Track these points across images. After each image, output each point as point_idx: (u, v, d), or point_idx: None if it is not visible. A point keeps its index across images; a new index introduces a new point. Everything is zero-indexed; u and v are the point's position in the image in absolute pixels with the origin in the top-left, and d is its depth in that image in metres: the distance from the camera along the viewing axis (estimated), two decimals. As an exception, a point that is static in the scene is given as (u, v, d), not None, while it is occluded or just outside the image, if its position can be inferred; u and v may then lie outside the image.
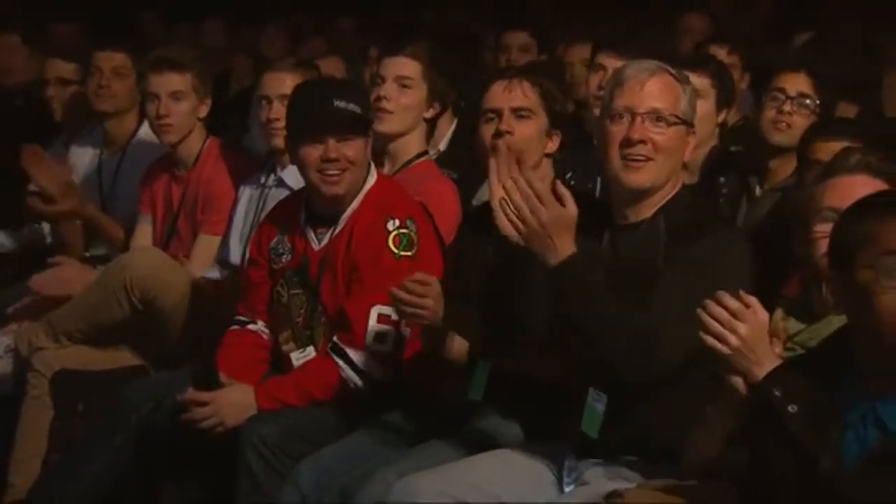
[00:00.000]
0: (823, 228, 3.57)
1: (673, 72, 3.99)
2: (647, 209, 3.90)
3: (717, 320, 3.33)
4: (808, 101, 5.17)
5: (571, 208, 3.68)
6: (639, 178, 3.85)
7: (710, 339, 3.33)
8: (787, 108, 5.18)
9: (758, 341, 3.31)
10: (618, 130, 3.85)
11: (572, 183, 4.41)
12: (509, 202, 3.67)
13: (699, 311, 3.34)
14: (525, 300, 3.94)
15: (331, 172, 4.48)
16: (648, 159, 3.84)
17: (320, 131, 4.49)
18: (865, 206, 3.01)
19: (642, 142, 3.83)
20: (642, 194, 3.88)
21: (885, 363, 2.92)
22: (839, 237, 3.01)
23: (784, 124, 5.18)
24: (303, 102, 4.71)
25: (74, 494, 4.88)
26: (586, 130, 5.65)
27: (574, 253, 3.67)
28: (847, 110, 6.01)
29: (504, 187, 3.68)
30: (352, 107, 4.54)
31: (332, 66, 6.22)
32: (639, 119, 3.83)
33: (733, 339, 3.30)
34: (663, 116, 3.86)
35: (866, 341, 2.95)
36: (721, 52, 6.60)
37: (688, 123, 3.94)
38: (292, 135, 4.62)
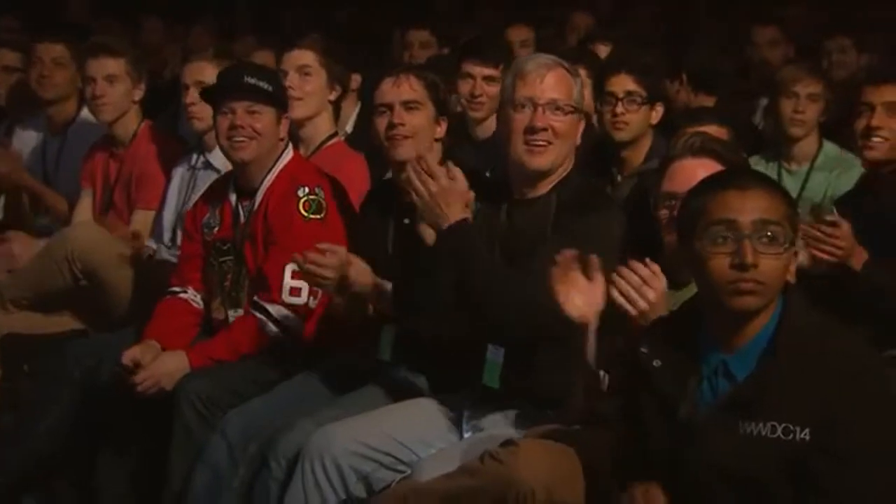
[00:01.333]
0: (664, 212, 3.71)
1: (566, 65, 4.04)
2: (543, 187, 3.96)
3: (632, 284, 3.42)
4: (636, 98, 5.12)
5: (461, 183, 3.77)
6: (541, 160, 3.91)
7: (621, 301, 3.42)
8: (619, 109, 5.13)
9: (661, 305, 3.41)
10: (521, 119, 3.90)
11: (487, 174, 4.47)
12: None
13: (614, 275, 3.43)
14: (427, 266, 3.96)
15: (237, 139, 4.53)
16: (549, 144, 3.90)
17: (230, 102, 4.55)
18: (700, 185, 3.07)
19: (544, 129, 3.88)
20: (542, 174, 3.94)
21: (721, 320, 2.98)
22: (682, 214, 3.08)
23: (621, 123, 5.14)
24: (220, 80, 4.78)
25: (24, 452, 4.84)
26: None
27: (463, 219, 3.74)
28: (706, 100, 6.15)
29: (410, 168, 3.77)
30: (262, 84, 4.59)
31: (263, 58, 6.19)
32: (540, 109, 3.89)
33: (642, 303, 3.41)
34: (561, 106, 3.92)
35: (707, 303, 3.00)
36: (604, 50, 6.67)
37: (580, 111, 4.00)
38: (213, 109, 4.67)
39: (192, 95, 5.27)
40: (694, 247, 2.96)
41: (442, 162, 4.26)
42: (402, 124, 4.38)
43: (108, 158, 5.72)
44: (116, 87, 5.59)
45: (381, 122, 4.42)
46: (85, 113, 5.96)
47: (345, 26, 8.20)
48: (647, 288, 3.39)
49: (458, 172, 3.77)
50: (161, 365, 4.45)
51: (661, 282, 3.42)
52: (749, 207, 2.92)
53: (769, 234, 2.90)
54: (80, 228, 5.43)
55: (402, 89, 4.43)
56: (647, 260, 3.44)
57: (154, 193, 5.47)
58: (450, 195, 3.76)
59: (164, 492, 4.36)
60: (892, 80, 4.57)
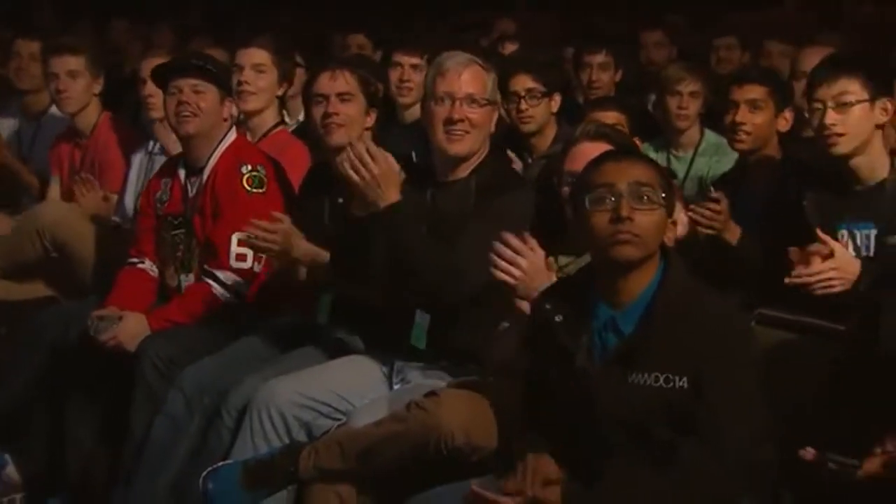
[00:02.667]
0: (566, 189, 3.70)
1: (481, 62, 4.06)
2: (463, 171, 3.99)
3: (503, 257, 3.44)
4: (536, 93, 5.18)
5: (394, 167, 3.79)
6: (459, 147, 3.94)
7: (499, 272, 3.46)
8: (522, 105, 5.19)
9: (536, 272, 3.42)
10: (441, 111, 3.92)
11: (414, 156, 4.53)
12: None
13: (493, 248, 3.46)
14: (361, 240, 3.95)
15: (183, 114, 4.55)
16: (466, 133, 3.92)
17: (178, 80, 4.58)
18: (588, 163, 3.15)
19: (461, 120, 3.90)
20: (461, 160, 3.96)
21: (609, 278, 3.04)
22: (575, 187, 3.15)
23: (527, 118, 5.20)
24: (170, 62, 4.84)
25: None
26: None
27: (398, 200, 3.76)
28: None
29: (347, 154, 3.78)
30: (208, 66, 4.63)
31: (218, 56, 6.17)
32: (458, 102, 3.91)
33: (517, 272, 3.42)
34: (476, 99, 3.93)
35: (596, 261, 3.08)
36: (511, 48, 6.74)
37: (493, 103, 4.03)
38: (163, 91, 4.69)
39: (150, 87, 5.24)
40: (583, 213, 3.03)
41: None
42: (337, 114, 4.42)
43: (73, 147, 5.69)
44: (78, 82, 5.57)
45: (318, 111, 4.46)
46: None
47: (290, 28, 8.13)
48: (519, 258, 3.42)
49: (391, 159, 3.79)
50: (124, 327, 4.46)
51: (534, 253, 3.45)
52: (624, 173, 2.99)
53: (642, 193, 2.96)
54: (49, 206, 5.42)
55: (337, 82, 4.46)
56: (525, 234, 3.48)
57: (115, 177, 5.45)
58: (385, 178, 3.77)
59: (127, 441, 4.35)
60: (753, 80, 4.65)
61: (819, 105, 3.84)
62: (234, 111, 4.76)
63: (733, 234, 4.28)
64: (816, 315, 3.57)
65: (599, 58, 6.31)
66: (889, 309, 3.21)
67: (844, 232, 3.91)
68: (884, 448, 2.48)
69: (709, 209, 4.19)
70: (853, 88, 3.84)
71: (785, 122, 4.76)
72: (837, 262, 3.59)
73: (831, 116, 3.80)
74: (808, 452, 2.52)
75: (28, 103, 6.24)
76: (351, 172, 3.78)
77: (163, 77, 4.70)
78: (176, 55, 5.26)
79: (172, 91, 4.60)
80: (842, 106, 3.82)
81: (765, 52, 6.60)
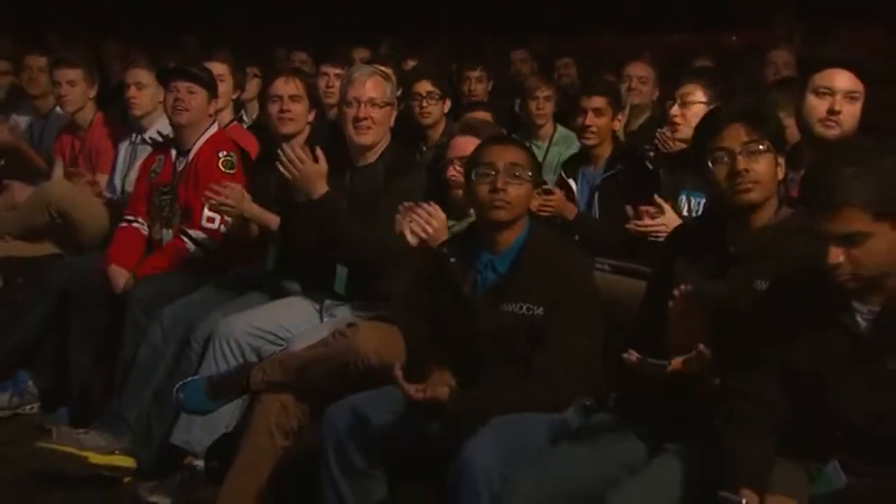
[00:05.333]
0: (450, 170, 3.76)
1: (382, 73, 4.04)
2: (371, 157, 3.94)
3: (420, 219, 3.43)
4: (434, 96, 5.13)
5: (322, 165, 3.73)
6: (365, 139, 3.90)
7: (418, 230, 3.43)
8: (423, 104, 5.14)
9: (441, 228, 3.43)
10: (350, 112, 3.89)
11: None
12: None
13: (397, 216, 3.47)
14: (299, 215, 3.88)
15: (178, 108, 4.49)
16: (369, 128, 3.88)
17: (177, 82, 4.52)
18: (479, 144, 3.20)
19: (365, 118, 3.87)
20: (367, 148, 3.92)
21: (488, 232, 3.07)
22: (467, 163, 3.16)
23: (425, 113, 5.14)
24: (173, 67, 4.79)
25: (17, 338, 4.79)
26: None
27: (327, 191, 3.71)
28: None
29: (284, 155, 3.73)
30: (200, 73, 4.57)
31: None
32: (362, 105, 3.88)
33: (429, 229, 3.41)
34: (377, 102, 3.90)
35: (479, 221, 3.11)
36: (410, 63, 6.71)
37: (391, 104, 3.99)
38: (164, 88, 4.63)
39: (133, 91, 5.18)
40: (470, 182, 3.06)
41: (308, 139, 4.36)
42: (289, 110, 4.42)
43: (73, 139, 5.57)
44: (76, 88, 5.45)
45: (273, 108, 4.44)
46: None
47: (242, 45, 8.02)
48: (430, 219, 3.42)
49: (321, 155, 3.74)
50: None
51: (440, 216, 3.44)
52: (502, 155, 3.03)
53: (514, 171, 3.01)
54: (55, 184, 5.32)
55: (289, 86, 4.44)
56: (431, 202, 3.48)
57: (106, 162, 5.35)
58: (314, 174, 3.73)
59: (117, 363, 4.31)
60: (597, 92, 4.59)
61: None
62: (216, 109, 4.71)
63: (570, 212, 4.28)
64: (634, 261, 3.59)
65: (476, 73, 6.29)
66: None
67: (683, 197, 3.97)
68: (691, 352, 2.52)
69: (545, 198, 4.17)
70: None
71: (618, 122, 4.77)
72: (666, 218, 3.69)
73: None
74: (631, 356, 2.54)
75: (37, 105, 6.11)
76: (286, 171, 3.74)
77: (167, 77, 4.66)
78: (153, 71, 5.16)
79: (171, 89, 4.55)
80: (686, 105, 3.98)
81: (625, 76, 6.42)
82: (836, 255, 2.27)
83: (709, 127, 2.75)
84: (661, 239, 3.52)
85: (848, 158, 2.31)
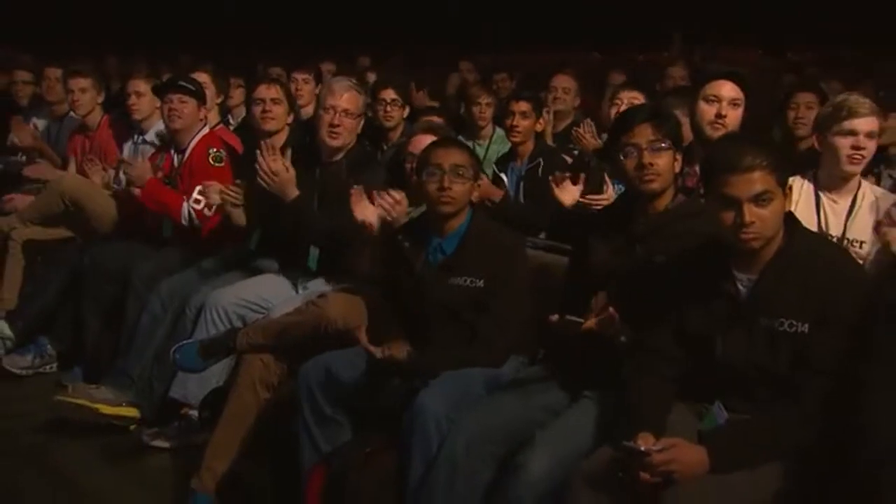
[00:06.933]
0: (408, 165, 3.70)
1: (356, 86, 3.99)
2: (338, 155, 3.90)
3: (386, 204, 3.37)
4: (397, 102, 5.05)
5: (292, 172, 3.70)
6: (336, 142, 3.85)
7: (383, 213, 3.38)
8: (388, 108, 5.03)
9: (402, 213, 3.40)
10: (327, 118, 3.83)
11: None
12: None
13: (377, 198, 3.40)
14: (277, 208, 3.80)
15: (173, 116, 4.45)
16: (340, 133, 3.84)
17: (171, 94, 4.48)
18: (426, 147, 3.16)
19: (339, 125, 3.83)
20: (337, 149, 3.88)
21: (436, 221, 3.06)
22: (418, 164, 3.13)
23: (388, 117, 5.05)
24: (166, 81, 4.73)
25: (38, 308, 4.74)
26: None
27: (296, 195, 3.69)
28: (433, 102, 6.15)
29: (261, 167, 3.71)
30: (189, 85, 4.52)
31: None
32: (337, 114, 3.83)
33: (394, 213, 3.37)
34: (350, 112, 3.86)
35: (429, 212, 3.09)
36: (371, 76, 6.72)
37: (361, 115, 3.95)
38: (160, 99, 4.59)
39: (133, 99, 5.11)
40: (421, 180, 3.04)
41: (288, 137, 4.35)
42: (270, 111, 4.40)
43: (84, 138, 5.47)
44: (87, 95, 5.37)
45: (258, 110, 4.45)
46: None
47: (227, 61, 7.96)
48: (396, 205, 3.41)
49: (289, 165, 3.71)
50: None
51: (403, 203, 3.43)
52: (447, 157, 3.01)
53: (458, 171, 2.99)
54: (68, 177, 5.24)
55: (271, 90, 4.45)
56: (393, 190, 3.46)
57: (112, 158, 5.25)
58: (286, 181, 3.70)
59: (123, 329, 4.27)
60: (523, 98, 4.59)
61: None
62: (205, 114, 4.67)
63: (496, 195, 4.24)
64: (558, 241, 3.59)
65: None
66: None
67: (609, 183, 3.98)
68: (602, 313, 2.55)
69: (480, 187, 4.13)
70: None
71: (541, 125, 4.75)
72: (608, 194, 3.63)
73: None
74: (554, 316, 2.56)
75: (53, 110, 6.01)
76: (263, 181, 3.72)
77: (162, 90, 4.61)
78: (150, 81, 5.09)
79: (166, 101, 4.50)
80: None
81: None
82: (751, 213, 2.27)
83: (622, 125, 2.76)
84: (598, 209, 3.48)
85: (748, 138, 2.40)
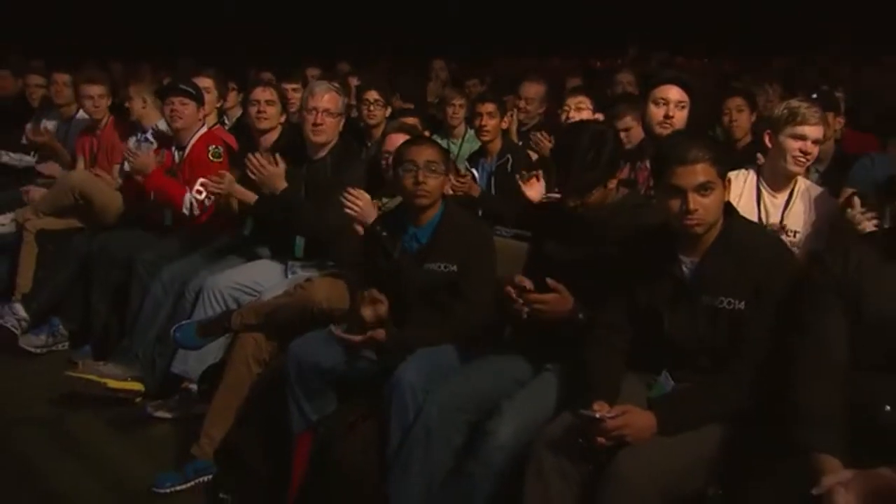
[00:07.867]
0: (384, 161, 3.69)
1: (336, 88, 3.96)
2: (323, 152, 3.87)
3: (350, 201, 3.40)
4: (380, 103, 5.01)
5: (281, 166, 3.70)
6: (319, 139, 3.83)
7: (349, 209, 3.41)
8: (371, 108, 4.99)
9: (367, 207, 3.40)
10: (310, 118, 3.81)
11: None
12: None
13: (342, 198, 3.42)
14: (268, 200, 3.83)
15: (174, 116, 4.42)
16: (322, 131, 3.81)
17: (172, 97, 4.44)
18: (401, 145, 3.11)
19: (321, 123, 3.80)
20: (321, 145, 3.86)
21: (412, 212, 3.03)
22: (394, 160, 3.07)
23: (372, 115, 4.98)
24: (167, 84, 4.70)
25: (49, 292, 4.70)
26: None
27: (284, 188, 3.68)
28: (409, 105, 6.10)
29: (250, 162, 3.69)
30: (189, 89, 4.48)
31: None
32: (319, 114, 3.81)
33: (356, 208, 3.40)
34: (331, 112, 3.83)
35: (406, 203, 3.06)
36: (353, 80, 6.62)
37: (342, 114, 3.90)
38: (162, 102, 4.55)
39: (136, 102, 5.08)
40: (397, 176, 3.02)
41: (280, 136, 4.32)
42: (264, 111, 4.36)
43: (91, 137, 5.42)
44: (103, 100, 5.31)
45: (253, 110, 4.40)
46: (81, 112, 5.65)
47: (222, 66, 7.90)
48: (356, 200, 3.40)
49: (279, 160, 3.69)
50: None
51: (364, 197, 3.42)
52: (421, 154, 2.98)
53: (431, 167, 2.96)
54: (77, 173, 5.20)
55: (265, 93, 4.40)
56: (356, 187, 3.45)
57: (117, 156, 5.21)
58: (274, 175, 3.70)
59: (128, 309, 4.25)
60: (488, 99, 4.57)
61: None
62: (203, 115, 4.63)
63: (475, 191, 4.23)
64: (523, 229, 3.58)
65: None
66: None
67: None
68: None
69: (458, 181, 4.12)
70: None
71: (506, 123, 4.74)
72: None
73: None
74: (510, 291, 2.58)
75: (63, 111, 5.93)
76: (252, 175, 3.71)
77: (164, 93, 4.58)
78: (152, 87, 5.09)
79: (168, 103, 4.46)
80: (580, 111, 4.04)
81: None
82: (695, 201, 2.29)
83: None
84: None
85: (693, 135, 2.45)
